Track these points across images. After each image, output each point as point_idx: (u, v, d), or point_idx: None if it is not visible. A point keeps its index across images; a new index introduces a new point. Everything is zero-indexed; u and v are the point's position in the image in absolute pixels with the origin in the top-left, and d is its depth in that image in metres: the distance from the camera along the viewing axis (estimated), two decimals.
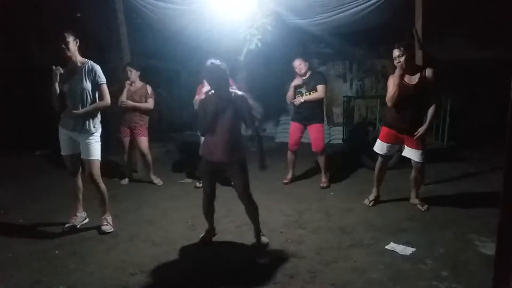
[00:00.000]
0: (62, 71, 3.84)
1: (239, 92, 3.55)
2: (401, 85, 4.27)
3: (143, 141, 5.65)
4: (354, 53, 9.32)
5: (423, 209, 4.53)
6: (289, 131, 5.70)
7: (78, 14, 7.53)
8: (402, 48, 4.22)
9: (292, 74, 5.53)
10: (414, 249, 3.61)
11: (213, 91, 3.57)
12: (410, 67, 4.27)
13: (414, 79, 4.27)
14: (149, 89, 5.62)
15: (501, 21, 7.00)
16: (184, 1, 5.86)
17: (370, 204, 4.77)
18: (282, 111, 9.51)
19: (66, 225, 4.19)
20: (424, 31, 4.98)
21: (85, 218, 4.35)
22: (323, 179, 5.61)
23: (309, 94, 5.38)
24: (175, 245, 3.83)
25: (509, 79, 1.78)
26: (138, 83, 5.60)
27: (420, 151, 4.41)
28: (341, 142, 7.99)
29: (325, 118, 5.66)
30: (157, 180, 5.84)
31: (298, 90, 5.46)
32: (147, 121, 5.69)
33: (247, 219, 3.82)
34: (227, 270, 3.41)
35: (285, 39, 6.98)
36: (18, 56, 8.26)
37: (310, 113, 5.46)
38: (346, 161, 6.87)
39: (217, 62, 3.44)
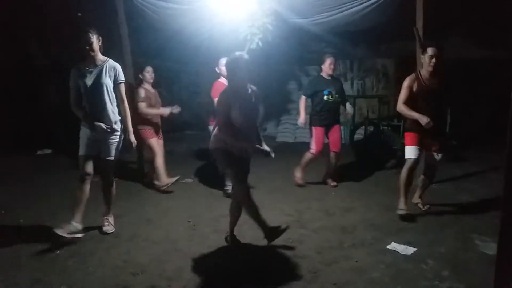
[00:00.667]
0: (103, 127, 3.80)
1: (253, 87, 3.57)
2: (422, 86, 4.24)
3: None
4: (355, 53, 9.32)
5: (423, 209, 4.53)
6: (315, 137, 5.45)
7: (79, 14, 7.54)
8: (438, 51, 4.17)
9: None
10: (415, 249, 3.61)
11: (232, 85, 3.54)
12: (435, 71, 4.22)
13: (434, 82, 4.23)
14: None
15: (499, 21, 7.00)
16: (185, 1, 5.86)
17: (402, 213, 4.38)
18: (283, 110, 9.51)
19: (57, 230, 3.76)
20: (426, 30, 4.98)
21: (79, 232, 3.91)
22: (332, 180, 5.62)
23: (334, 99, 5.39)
24: (176, 244, 3.83)
25: (509, 78, 1.77)
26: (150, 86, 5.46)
27: (441, 154, 4.33)
28: (342, 142, 7.98)
29: None
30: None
31: (327, 90, 5.33)
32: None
33: (248, 219, 3.81)
34: (228, 270, 3.41)
35: (286, 39, 6.98)
36: (18, 56, 8.26)
37: (335, 116, 5.50)
38: (347, 161, 6.86)
39: (240, 53, 3.46)
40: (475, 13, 7.44)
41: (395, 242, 3.75)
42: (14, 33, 7.88)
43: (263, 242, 3.81)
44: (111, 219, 4.18)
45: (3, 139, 7.42)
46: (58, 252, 3.67)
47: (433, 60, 4.15)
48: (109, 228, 4.09)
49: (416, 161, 4.32)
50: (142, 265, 3.44)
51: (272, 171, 6.29)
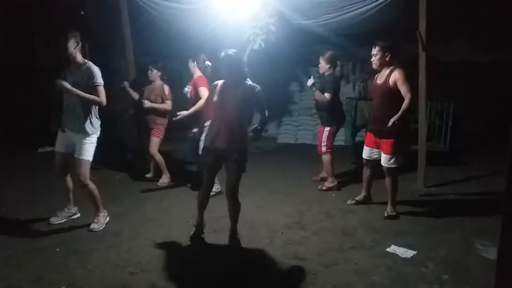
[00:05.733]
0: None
1: (253, 84, 3.61)
2: (374, 84, 4.42)
3: (151, 141, 5.51)
4: (358, 54, 9.30)
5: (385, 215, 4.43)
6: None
7: (82, 13, 7.54)
8: (377, 47, 4.29)
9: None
10: (415, 252, 3.61)
11: (222, 80, 3.64)
12: (382, 67, 4.34)
13: (381, 79, 4.32)
14: (166, 89, 5.54)
15: (504, 25, 6.99)
16: (189, 1, 5.87)
17: (351, 202, 4.84)
18: (285, 111, 9.49)
19: (52, 219, 4.26)
20: (428, 34, 4.98)
21: (75, 214, 4.38)
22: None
23: None
24: (176, 244, 3.84)
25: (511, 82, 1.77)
26: (158, 82, 5.54)
27: (388, 156, 4.26)
28: (343, 144, 7.98)
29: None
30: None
31: None
32: (164, 122, 5.60)
33: (247, 220, 3.81)
34: (227, 270, 3.41)
35: (289, 40, 6.97)
36: (21, 55, 8.26)
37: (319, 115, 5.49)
38: (348, 163, 6.85)
39: (232, 51, 3.58)
40: (481, 18, 7.44)
41: (395, 245, 3.75)
42: (16, 32, 7.88)
43: (263, 243, 3.82)
44: (101, 216, 4.16)
45: (5, 137, 7.43)
46: (58, 250, 3.67)
47: (372, 57, 4.36)
48: (95, 226, 4.09)
49: (368, 161, 4.53)
50: (142, 264, 3.44)
51: (273, 172, 6.30)
